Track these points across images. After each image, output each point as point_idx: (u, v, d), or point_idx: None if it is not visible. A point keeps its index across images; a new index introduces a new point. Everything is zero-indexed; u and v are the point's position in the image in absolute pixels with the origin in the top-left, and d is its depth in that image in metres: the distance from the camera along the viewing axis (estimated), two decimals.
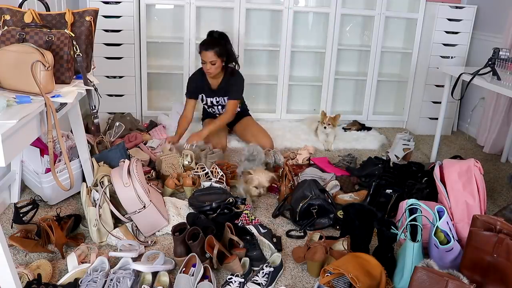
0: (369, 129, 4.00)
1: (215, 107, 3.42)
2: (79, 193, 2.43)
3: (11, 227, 2.15)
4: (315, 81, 4.11)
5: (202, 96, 3.34)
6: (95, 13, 2.06)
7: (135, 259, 1.94)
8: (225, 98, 3.33)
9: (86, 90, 1.98)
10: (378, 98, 4.20)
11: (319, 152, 3.47)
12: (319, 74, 4.13)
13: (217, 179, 2.65)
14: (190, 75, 3.40)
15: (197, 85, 3.29)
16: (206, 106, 3.46)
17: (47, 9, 2.09)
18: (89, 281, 1.72)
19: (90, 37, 2.06)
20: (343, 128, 3.99)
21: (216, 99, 3.34)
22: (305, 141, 3.57)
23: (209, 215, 2.27)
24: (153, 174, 2.73)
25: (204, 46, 3.10)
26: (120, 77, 3.67)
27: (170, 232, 2.07)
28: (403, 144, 3.34)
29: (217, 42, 3.12)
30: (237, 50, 3.77)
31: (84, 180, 2.47)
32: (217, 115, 3.42)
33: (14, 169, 2.39)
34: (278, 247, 2.13)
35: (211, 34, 3.20)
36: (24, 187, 2.54)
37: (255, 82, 3.95)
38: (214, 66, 3.12)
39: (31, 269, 1.81)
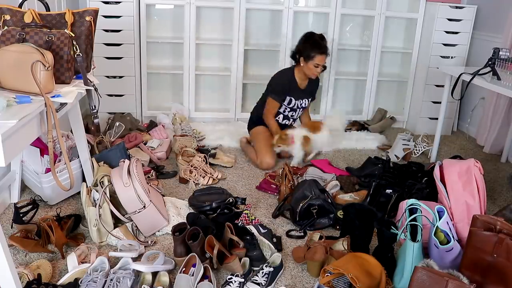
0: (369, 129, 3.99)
1: (296, 111, 3.22)
2: (79, 193, 2.43)
3: (11, 227, 2.15)
4: None
5: (290, 99, 3.13)
6: (95, 13, 2.06)
7: (135, 259, 1.94)
8: (309, 99, 3.25)
9: (86, 90, 1.98)
10: (378, 98, 4.20)
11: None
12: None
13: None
14: (277, 75, 3.19)
15: (287, 85, 3.10)
16: (286, 112, 3.19)
17: (47, 9, 2.09)
18: (89, 281, 1.72)
19: (90, 37, 2.07)
20: None
21: (300, 101, 3.18)
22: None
23: (209, 215, 2.28)
24: (153, 174, 2.73)
25: (322, 50, 2.99)
26: (120, 77, 3.67)
27: (170, 232, 2.07)
28: (403, 144, 3.34)
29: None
30: (237, 49, 3.78)
31: (84, 180, 2.47)
32: (290, 125, 3.25)
33: (14, 169, 2.39)
34: (278, 247, 2.13)
35: (321, 37, 3.05)
36: (24, 187, 2.54)
37: (255, 81, 3.95)
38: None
39: (31, 269, 1.81)
